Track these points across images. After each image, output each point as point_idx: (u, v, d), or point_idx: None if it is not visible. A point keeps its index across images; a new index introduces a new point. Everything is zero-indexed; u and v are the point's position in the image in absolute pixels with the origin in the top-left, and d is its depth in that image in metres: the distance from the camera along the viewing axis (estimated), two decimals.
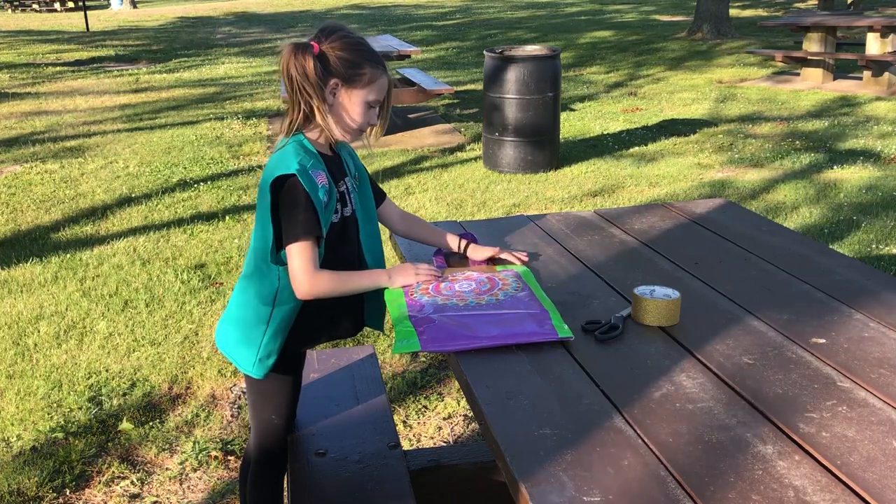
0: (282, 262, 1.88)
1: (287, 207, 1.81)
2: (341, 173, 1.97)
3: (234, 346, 2.00)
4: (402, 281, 1.94)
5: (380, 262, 2.06)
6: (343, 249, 1.96)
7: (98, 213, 5.69)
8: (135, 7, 24.29)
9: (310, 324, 1.98)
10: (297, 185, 1.79)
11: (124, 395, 3.37)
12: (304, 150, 1.85)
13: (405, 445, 2.99)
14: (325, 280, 1.86)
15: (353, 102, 1.87)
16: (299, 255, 1.81)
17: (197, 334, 3.85)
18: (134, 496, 2.78)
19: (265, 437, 2.13)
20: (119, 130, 8.19)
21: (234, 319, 2.01)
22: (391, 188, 6.06)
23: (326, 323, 2.03)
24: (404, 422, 3.17)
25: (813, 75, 9.83)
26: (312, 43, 1.85)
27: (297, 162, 1.81)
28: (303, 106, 1.85)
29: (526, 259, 2.16)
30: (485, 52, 6.74)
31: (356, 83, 1.86)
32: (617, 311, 1.85)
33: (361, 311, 2.08)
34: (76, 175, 6.63)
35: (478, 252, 2.15)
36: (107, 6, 24.77)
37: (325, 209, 1.85)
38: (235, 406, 3.29)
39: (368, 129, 1.95)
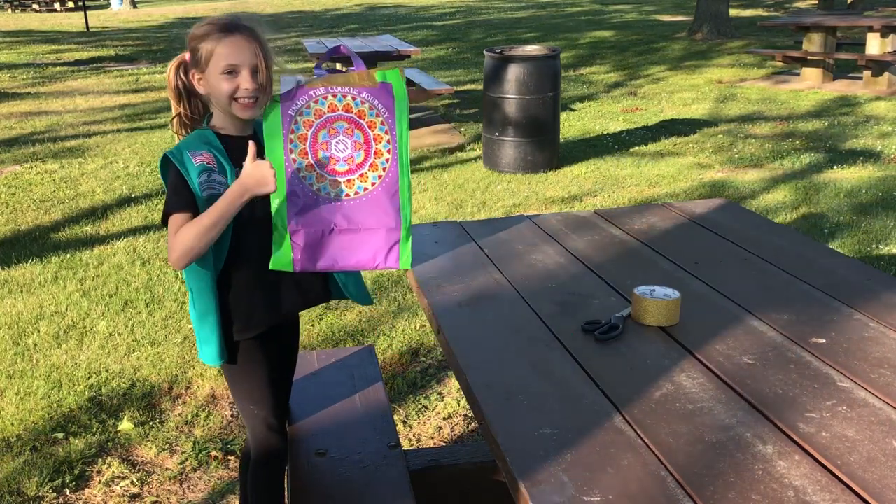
0: None
1: (166, 187, 1.90)
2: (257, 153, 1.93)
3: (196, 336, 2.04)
4: (260, 186, 1.81)
5: None
6: (256, 230, 1.91)
7: (98, 213, 5.69)
8: (135, 7, 24.30)
9: (239, 306, 1.96)
10: (168, 165, 1.87)
11: (124, 395, 3.37)
12: (196, 136, 1.91)
13: (405, 445, 2.99)
14: (182, 233, 1.82)
15: (212, 81, 1.88)
16: (170, 229, 1.85)
17: None
18: (134, 496, 2.78)
19: (253, 429, 2.09)
20: (119, 130, 8.19)
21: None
22: None
23: (259, 302, 1.98)
24: (404, 422, 3.17)
25: (813, 75, 9.83)
26: (186, 54, 1.92)
27: (178, 146, 1.88)
28: (192, 109, 1.97)
29: None
30: (485, 51, 6.74)
31: (202, 65, 1.88)
32: (617, 311, 1.85)
33: (299, 283, 2.01)
34: (76, 175, 6.63)
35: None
36: (107, 6, 24.77)
37: (217, 187, 1.85)
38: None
39: (257, 98, 1.87)
